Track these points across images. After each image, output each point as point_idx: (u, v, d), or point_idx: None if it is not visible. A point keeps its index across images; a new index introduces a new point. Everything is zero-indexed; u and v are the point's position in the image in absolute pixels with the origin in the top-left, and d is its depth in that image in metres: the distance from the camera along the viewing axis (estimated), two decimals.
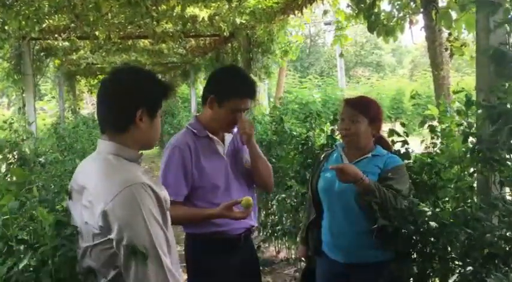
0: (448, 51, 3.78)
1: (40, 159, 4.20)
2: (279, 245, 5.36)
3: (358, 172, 2.26)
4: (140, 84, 1.69)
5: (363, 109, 2.47)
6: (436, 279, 2.36)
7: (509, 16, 2.40)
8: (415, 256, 2.42)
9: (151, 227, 1.51)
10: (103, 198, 1.50)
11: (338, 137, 4.01)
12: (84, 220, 1.56)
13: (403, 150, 2.86)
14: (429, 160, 2.74)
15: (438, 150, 2.79)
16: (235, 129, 2.59)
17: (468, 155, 2.46)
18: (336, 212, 2.50)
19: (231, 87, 2.36)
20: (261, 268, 2.92)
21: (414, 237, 2.36)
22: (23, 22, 6.01)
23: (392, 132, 2.88)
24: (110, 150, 1.65)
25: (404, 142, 2.87)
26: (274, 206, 5.16)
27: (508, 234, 2.13)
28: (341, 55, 7.08)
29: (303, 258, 3.01)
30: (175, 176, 2.32)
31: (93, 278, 1.59)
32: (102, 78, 1.78)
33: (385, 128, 3.08)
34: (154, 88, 1.72)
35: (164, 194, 1.65)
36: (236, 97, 2.35)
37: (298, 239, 2.96)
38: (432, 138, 2.80)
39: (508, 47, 2.42)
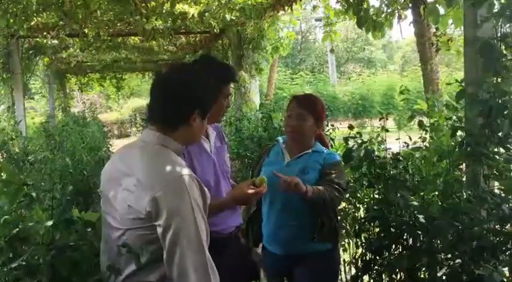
0: (435, 47, 3.80)
1: (29, 158, 4.18)
2: None
3: (301, 188, 2.30)
4: (201, 86, 1.76)
5: (310, 108, 2.55)
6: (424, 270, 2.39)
7: (495, 9, 2.42)
8: (401, 250, 2.44)
9: (198, 218, 1.56)
10: (153, 185, 1.54)
11: (328, 133, 4.03)
12: (127, 204, 1.58)
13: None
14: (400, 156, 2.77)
15: (427, 144, 2.80)
16: (218, 126, 2.59)
17: (457, 149, 2.47)
18: (277, 206, 2.56)
19: (218, 79, 2.34)
20: None
21: (399, 231, 2.38)
22: (11, 20, 5.97)
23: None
24: (158, 141, 1.70)
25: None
26: None
27: (497, 227, 2.15)
28: (331, 51, 7.10)
29: None
30: None
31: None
32: (160, 74, 1.84)
33: (377, 123, 3.10)
34: (211, 92, 1.83)
35: (206, 189, 1.69)
36: (225, 85, 2.35)
37: None
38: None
39: (495, 40, 2.44)
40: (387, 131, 2.95)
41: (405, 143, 2.94)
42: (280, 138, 2.75)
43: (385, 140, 2.96)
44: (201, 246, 1.55)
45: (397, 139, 2.97)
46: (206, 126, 1.84)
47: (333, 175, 2.45)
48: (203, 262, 1.55)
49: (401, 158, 2.75)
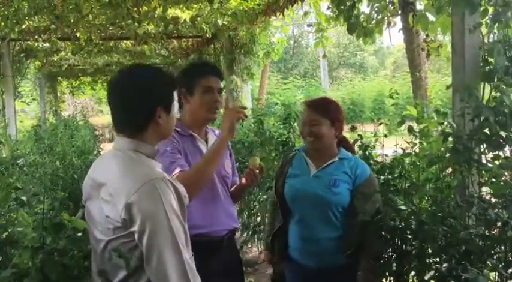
0: (425, 52, 3.85)
1: (18, 161, 4.16)
2: (262, 246, 5.37)
3: None
4: (155, 83, 1.73)
5: (323, 111, 2.49)
6: (413, 274, 2.40)
7: (488, 17, 2.44)
8: (391, 253, 2.46)
9: (172, 220, 1.55)
10: (126, 191, 1.54)
11: None
12: (105, 214, 1.58)
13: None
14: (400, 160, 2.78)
15: (417, 150, 2.82)
16: (217, 132, 2.59)
17: (447, 155, 2.49)
18: (307, 218, 2.50)
19: (194, 71, 2.42)
20: (244, 269, 2.92)
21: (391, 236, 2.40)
22: (2, 23, 5.95)
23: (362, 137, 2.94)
24: (130, 147, 1.68)
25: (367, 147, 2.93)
26: (256, 207, 5.18)
27: (486, 232, 2.16)
28: (324, 56, 7.13)
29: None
30: (175, 156, 2.27)
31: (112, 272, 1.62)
32: (112, 80, 1.77)
33: (369, 128, 3.12)
34: (166, 83, 1.77)
35: (182, 189, 1.68)
36: (200, 77, 2.39)
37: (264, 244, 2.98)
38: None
39: (482, 48, 2.48)
40: (375, 135, 2.97)
41: (400, 147, 2.95)
42: (300, 148, 2.70)
43: (383, 145, 2.95)
44: (177, 249, 1.54)
45: (395, 145, 2.94)
46: (175, 119, 1.81)
47: (370, 196, 2.41)
48: (181, 264, 1.54)
49: (391, 164, 2.76)
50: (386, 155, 2.97)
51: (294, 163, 2.63)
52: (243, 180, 2.55)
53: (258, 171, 2.49)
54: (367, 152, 2.89)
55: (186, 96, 2.39)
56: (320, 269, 2.47)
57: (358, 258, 2.41)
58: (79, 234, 1.79)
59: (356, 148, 2.90)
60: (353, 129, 2.97)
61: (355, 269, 2.41)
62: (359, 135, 2.91)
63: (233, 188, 2.62)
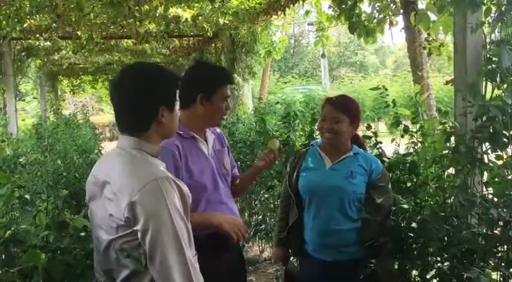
0: (427, 50, 3.85)
1: (20, 160, 4.17)
2: (263, 245, 5.38)
3: None
4: (157, 82, 1.71)
5: (345, 108, 2.53)
6: (414, 272, 2.41)
7: (491, 16, 2.43)
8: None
9: (175, 220, 1.56)
10: (129, 190, 1.54)
11: (318, 137, 4.05)
12: (108, 212, 1.59)
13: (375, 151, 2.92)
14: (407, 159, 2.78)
15: (418, 150, 2.81)
16: (218, 130, 2.61)
17: (450, 154, 2.49)
18: (324, 210, 2.52)
19: (214, 79, 2.42)
20: None
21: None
22: (4, 22, 5.96)
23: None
24: (133, 145, 1.69)
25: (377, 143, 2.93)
26: (258, 206, 5.19)
27: (489, 231, 2.17)
28: (323, 56, 7.09)
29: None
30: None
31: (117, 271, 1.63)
32: (113, 80, 1.74)
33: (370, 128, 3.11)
34: (169, 82, 1.76)
35: (186, 188, 1.69)
36: (221, 86, 2.41)
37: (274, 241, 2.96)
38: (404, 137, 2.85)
39: (485, 46, 2.48)
40: (373, 135, 2.97)
41: (406, 145, 2.94)
42: (314, 143, 2.73)
43: (399, 144, 2.94)
44: (180, 248, 1.55)
45: (406, 144, 2.93)
46: (177, 118, 1.81)
47: (384, 187, 2.48)
48: (184, 263, 1.55)
49: (403, 161, 2.76)
50: (398, 153, 2.96)
51: (307, 157, 2.66)
52: (260, 163, 2.60)
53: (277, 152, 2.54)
54: (378, 150, 2.89)
55: (203, 100, 2.39)
56: (336, 262, 2.49)
57: (375, 251, 2.43)
58: (82, 233, 1.79)
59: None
60: (368, 128, 2.98)
61: (371, 262, 2.44)
62: (373, 133, 2.93)
63: (246, 173, 2.75)
